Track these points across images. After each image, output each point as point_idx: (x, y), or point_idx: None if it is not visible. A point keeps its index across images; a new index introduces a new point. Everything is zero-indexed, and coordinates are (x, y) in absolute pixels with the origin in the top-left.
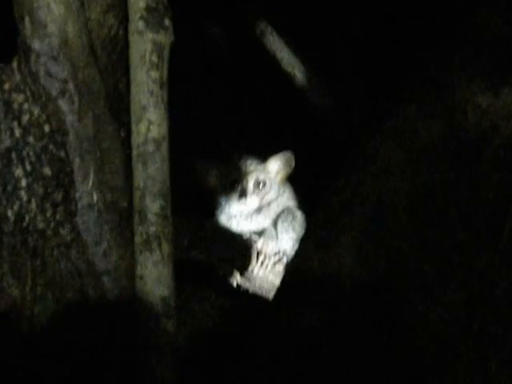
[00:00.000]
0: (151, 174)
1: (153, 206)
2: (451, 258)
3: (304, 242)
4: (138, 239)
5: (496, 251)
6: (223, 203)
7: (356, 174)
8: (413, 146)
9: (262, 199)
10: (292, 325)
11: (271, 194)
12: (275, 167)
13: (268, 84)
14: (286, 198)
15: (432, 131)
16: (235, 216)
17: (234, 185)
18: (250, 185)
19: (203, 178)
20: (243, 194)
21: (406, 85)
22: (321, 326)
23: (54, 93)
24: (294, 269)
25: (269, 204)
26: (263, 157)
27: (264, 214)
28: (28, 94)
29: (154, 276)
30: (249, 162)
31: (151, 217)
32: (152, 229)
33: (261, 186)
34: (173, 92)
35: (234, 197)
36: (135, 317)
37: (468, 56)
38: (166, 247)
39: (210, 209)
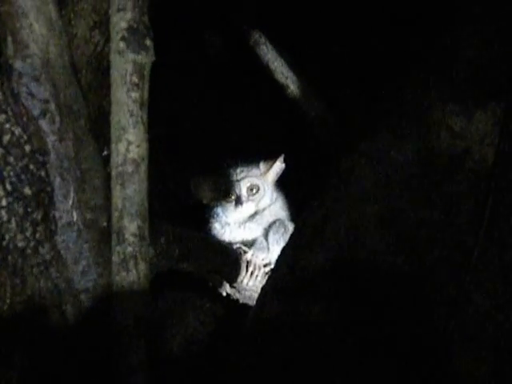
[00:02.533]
0: (129, 194)
1: (130, 226)
2: (421, 280)
3: (278, 263)
4: (115, 259)
5: (466, 274)
6: (221, 213)
7: (330, 194)
8: (385, 167)
9: (257, 204)
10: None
11: (266, 200)
12: (266, 170)
13: (261, 93)
14: (278, 207)
15: (405, 153)
16: (229, 224)
17: (229, 194)
18: (244, 191)
19: (198, 193)
20: (239, 201)
21: (381, 106)
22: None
23: (36, 113)
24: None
25: (263, 210)
26: (253, 162)
27: (257, 222)
28: (9, 113)
29: (130, 296)
30: (239, 169)
31: (128, 237)
32: (129, 249)
33: (254, 191)
34: (167, 100)
35: (230, 205)
36: (111, 335)
37: (442, 79)
38: (142, 267)
39: (204, 219)
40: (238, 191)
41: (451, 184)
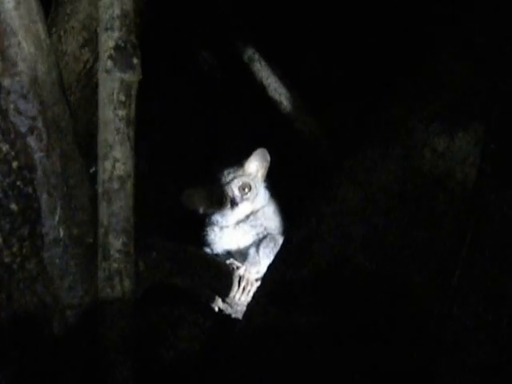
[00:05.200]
0: (115, 211)
1: (115, 242)
2: (405, 299)
3: (265, 277)
4: (100, 275)
5: (449, 293)
6: (219, 218)
7: (316, 212)
8: (369, 187)
9: (252, 202)
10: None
11: (260, 199)
12: (253, 167)
13: (255, 109)
14: (271, 212)
15: (389, 172)
16: (227, 227)
17: (222, 199)
18: (237, 192)
19: (191, 204)
20: (234, 203)
21: (366, 125)
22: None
23: (23, 130)
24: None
25: (257, 212)
26: (239, 162)
27: (251, 223)
28: None
29: (115, 312)
30: (226, 171)
31: (114, 253)
32: (114, 265)
33: (247, 190)
34: (162, 117)
35: (227, 209)
36: (97, 351)
37: (425, 101)
38: (127, 283)
39: (202, 225)
40: (230, 193)
41: (434, 204)
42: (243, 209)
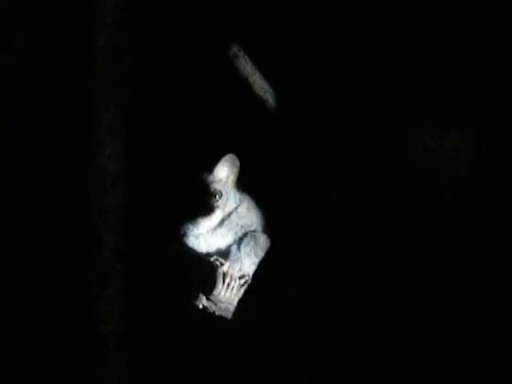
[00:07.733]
0: (106, 208)
1: (107, 240)
2: (393, 297)
3: (255, 275)
4: (92, 273)
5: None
6: (191, 226)
7: (304, 211)
8: (359, 185)
9: (223, 209)
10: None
11: (231, 203)
12: (223, 173)
13: (239, 107)
14: (244, 209)
15: (379, 170)
16: (202, 234)
17: (192, 205)
18: (207, 199)
19: (162, 210)
20: (205, 210)
21: (356, 122)
22: None
23: (15, 127)
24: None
25: (229, 215)
26: (208, 169)
27: (226, 227)
28: None
29: (106, 310)
30: (196, 178)
31: (105, 251)
32: (105, 263)
33: (217, 197)
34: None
35: (198, 216)
36: (88, 349)
37: (417, 98)
38: (118, 282)
39: (179, 233)
40: (201, 201)
41: (425, 202)
42: (214, 216)
